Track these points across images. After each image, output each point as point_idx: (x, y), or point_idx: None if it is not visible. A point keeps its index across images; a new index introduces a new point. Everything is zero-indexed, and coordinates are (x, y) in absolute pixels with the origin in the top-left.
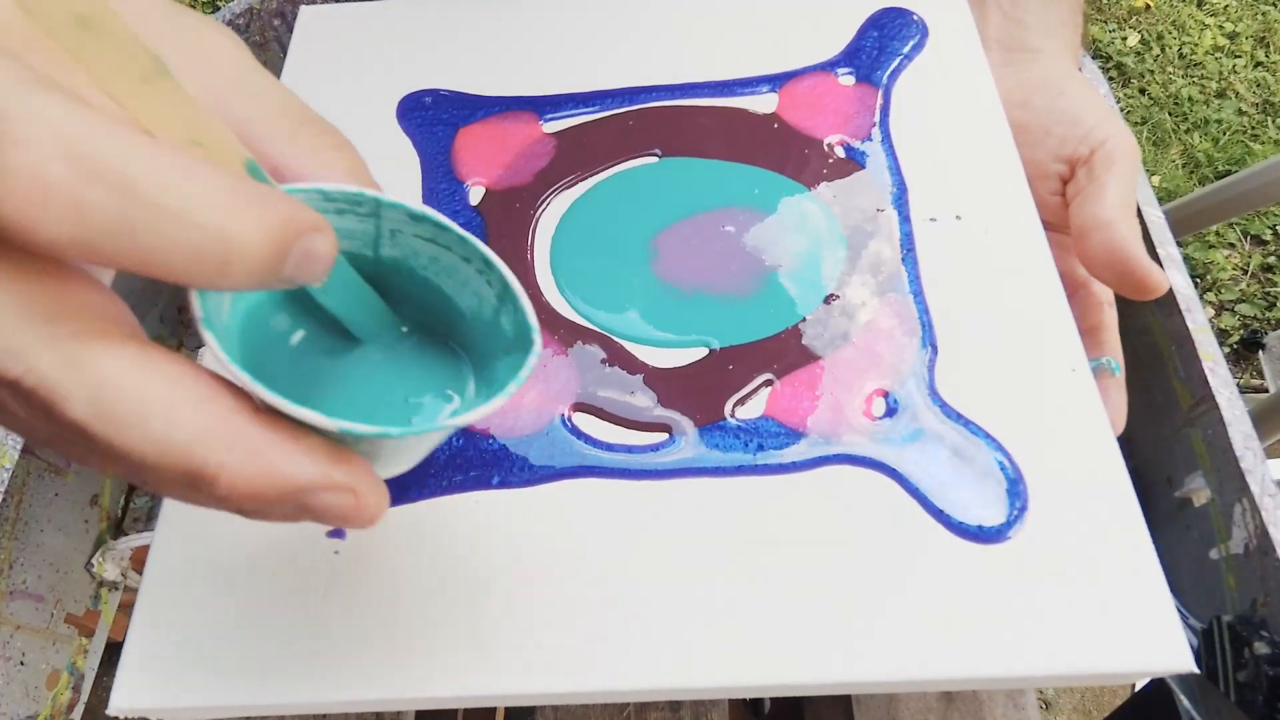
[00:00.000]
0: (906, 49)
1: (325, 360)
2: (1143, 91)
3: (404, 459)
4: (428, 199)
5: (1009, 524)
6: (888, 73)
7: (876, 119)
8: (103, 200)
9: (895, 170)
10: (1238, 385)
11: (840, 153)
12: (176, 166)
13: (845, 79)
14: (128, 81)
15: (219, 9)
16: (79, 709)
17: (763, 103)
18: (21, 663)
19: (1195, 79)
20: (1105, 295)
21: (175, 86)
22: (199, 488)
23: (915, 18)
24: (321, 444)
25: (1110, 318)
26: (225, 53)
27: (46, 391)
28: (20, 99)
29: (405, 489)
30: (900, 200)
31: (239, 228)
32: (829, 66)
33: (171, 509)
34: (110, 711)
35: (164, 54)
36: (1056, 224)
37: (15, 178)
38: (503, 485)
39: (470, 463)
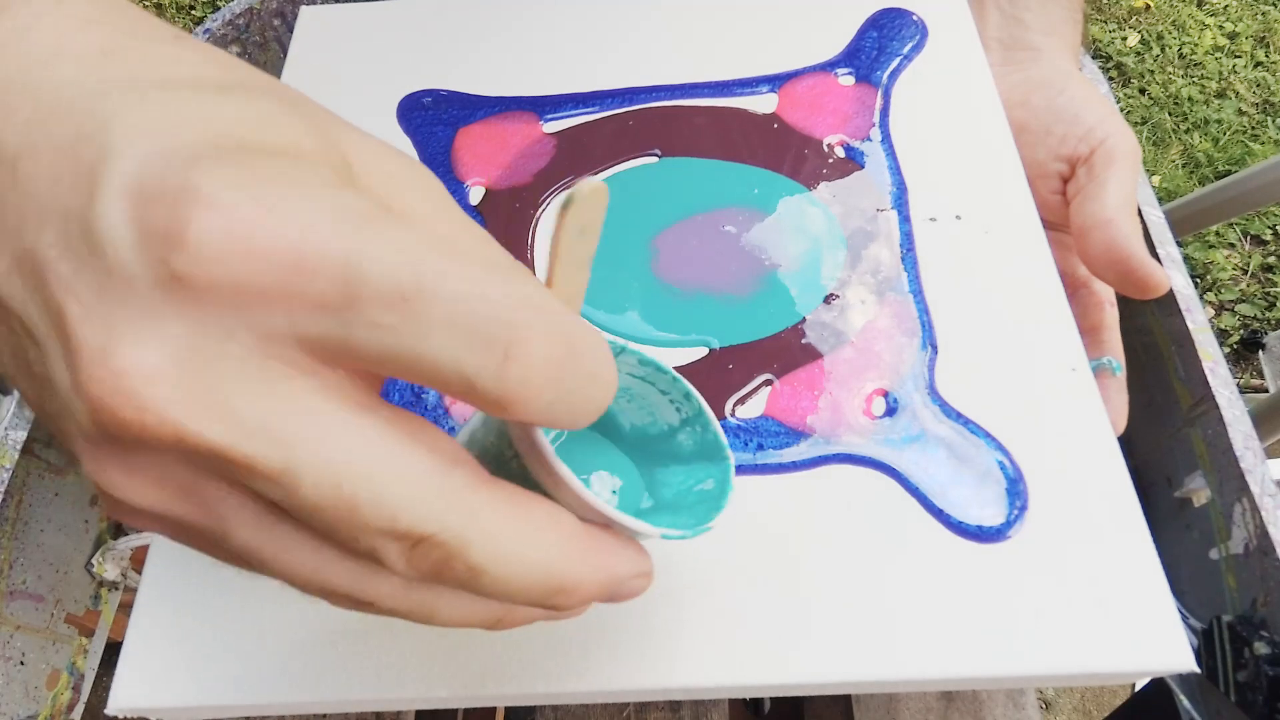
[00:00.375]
0: (906, 49)
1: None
2: (1143, 91)
3: None
4: None
5: (1009, 524)
6: (887, 73)
7: (876, 119)
8: (574, 374)
9: (895, 170)
10: (1238, 385)
11: (840, 153)
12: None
13: (845, 79)
14: (577, 264)
15: (219, 9)
16: (79, 709)
17: (762, 103)
18: (21, 663)
19: (1195, 79)
20: (1106, 294)
21: (590, 264)
22: (557, 604)
23: (915, 18)
24: (633, 541)
25: (1111, 317)
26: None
27: (456, 545)
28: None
29: None
30: (900, 200)
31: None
32: (829, 67)
33: None
34: (109, 711)
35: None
36: (1058, 223)
37: (533, 363)
38: None
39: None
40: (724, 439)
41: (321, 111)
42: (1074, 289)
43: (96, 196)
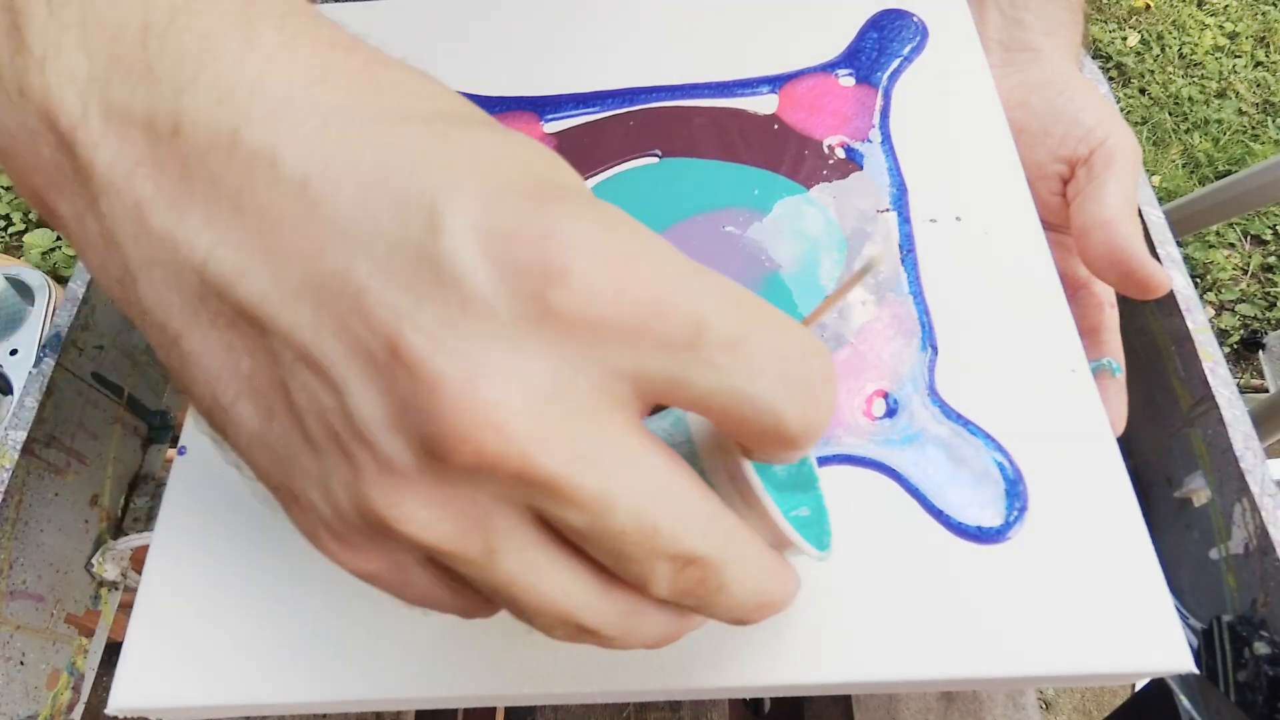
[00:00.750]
0: (906, 50)
1: None
2: (1143, 91)
3: None
4: None
5: (1009, 524)
6: (887, 74)
7: (876, 120)
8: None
9: (895, 171)
10: (1238, 385)
11: (840, 154)
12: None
13: (845, 80)
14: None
15: None
16: (79, 709)
17: (763, 104)
18: (21, 663)
19: (1195, 79)
20: (1107, 295)
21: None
22: (753, 618)
23: (915, 19)
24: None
25: (1111, 318)
26: None
27: (717, 564)
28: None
29: None
30: (900, 201)
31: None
32: (829, 68)
33: (170, 508)
34: (109, 711)
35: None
36: (1058, 224)
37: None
38: None
39: None
40: (817, 469)
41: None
42: (1074, 290)
43: (441, 231)
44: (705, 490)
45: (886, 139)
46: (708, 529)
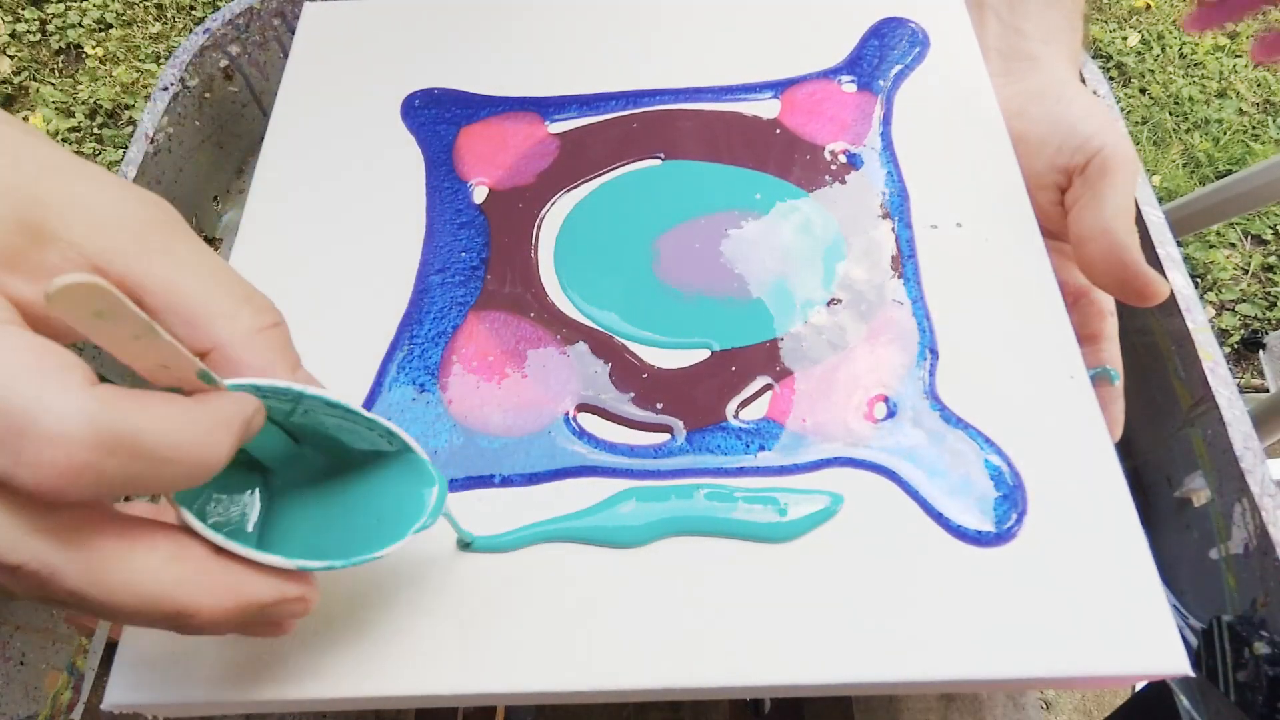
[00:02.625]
0: (908, 58)
1: (289, 498)
2: (1143, 91)
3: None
4: (431, 197)
5: (1007, 528)
6: (889, 81)
7: (877, 126)
8: (118, 466)
9: (896, 177)
10: (1238, 385)
11: (841, 159)
12: (168, 421)
13: (847, 86)
14: (122, 341)
15: (219, 9)
16: (79, 709)
17: (765, 108)
18: (21, 663)
19: (1195, 79)
20: (1106, 304)
21: (156, 336)
22: (182, 624)
23: (916, 27)
24: (276, 570)
25: (1111, 327)
26: (165, 229)
27: (47, 573)
28: (44, 396)
29: None
30: (901, 207)
31: (213, 451)
32: (831, 74)
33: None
34: (105, 706)
35: (112, 246)
36: (1057, 233)
37: (50, 468)
38: (504, 484)
39: (472, 461)
40: (436, 475)
41: (30, 167)
42: (1074, 299)
43: None
44: (38, 510)
45: (887, 145)
46: (24, 542)
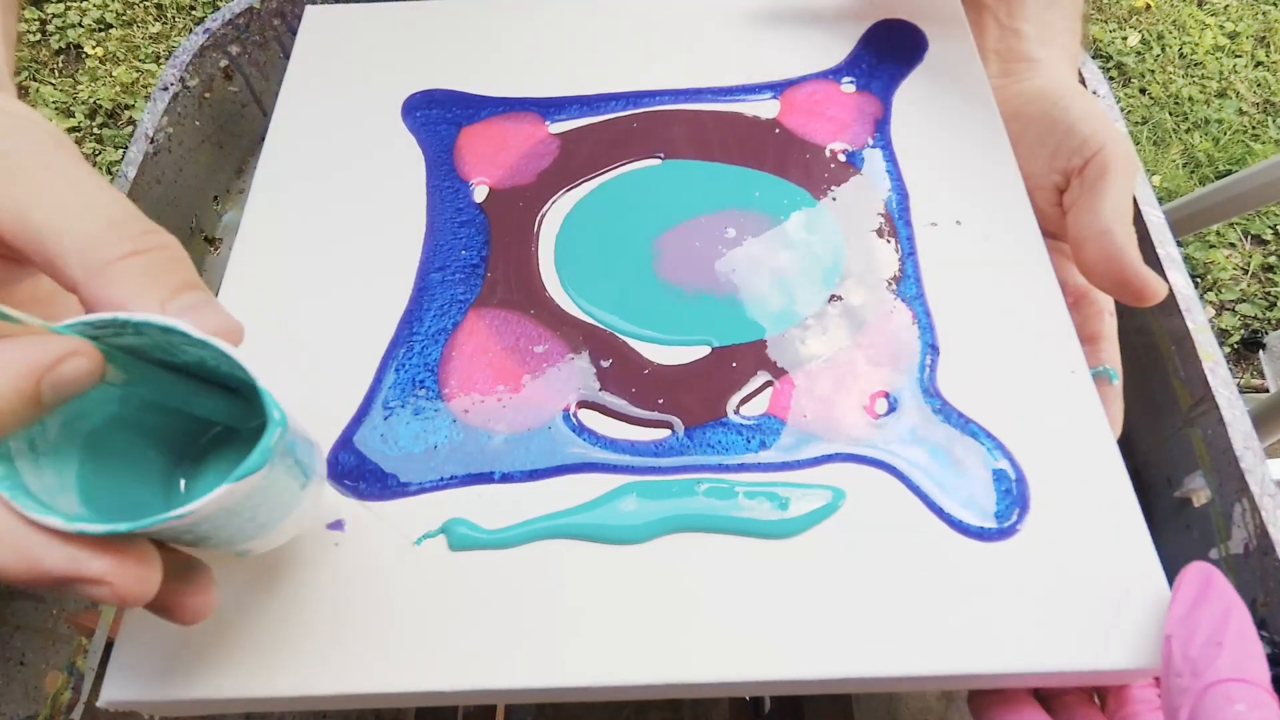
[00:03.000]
0: (906, 59)
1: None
2: (1143, 91)
3: (251, 538)
4: (432, 197)
5: (1009, 523)
6: (888, 82)
7: (877, 126)
8: None
9: (895, 176)
10: (1238, 385)
11: (841, 159)
12: None
13: (847, 87)
14: None
15: (219, 9)
16: (79, 709)
17: (764, 108)
18: (21, 663)
19: (1195, 79)
20: (1106, 304)
21: None
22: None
23: (915, 29)
24: (85, 543)
25: (1110, 327)
26: (38, 159)
27: None
28: None
29: (406, 483)
30: (901, 206)
31: None
32: (830, 74)
33: None
34: (100, 703)
35: None
36: (1057, 233)
37: None
38: (504, 481)
39: (472, 458)
40: (274, 412)
41: None
42: (1075, 299)
43: None
44: None
45: (887, 145)
46: None
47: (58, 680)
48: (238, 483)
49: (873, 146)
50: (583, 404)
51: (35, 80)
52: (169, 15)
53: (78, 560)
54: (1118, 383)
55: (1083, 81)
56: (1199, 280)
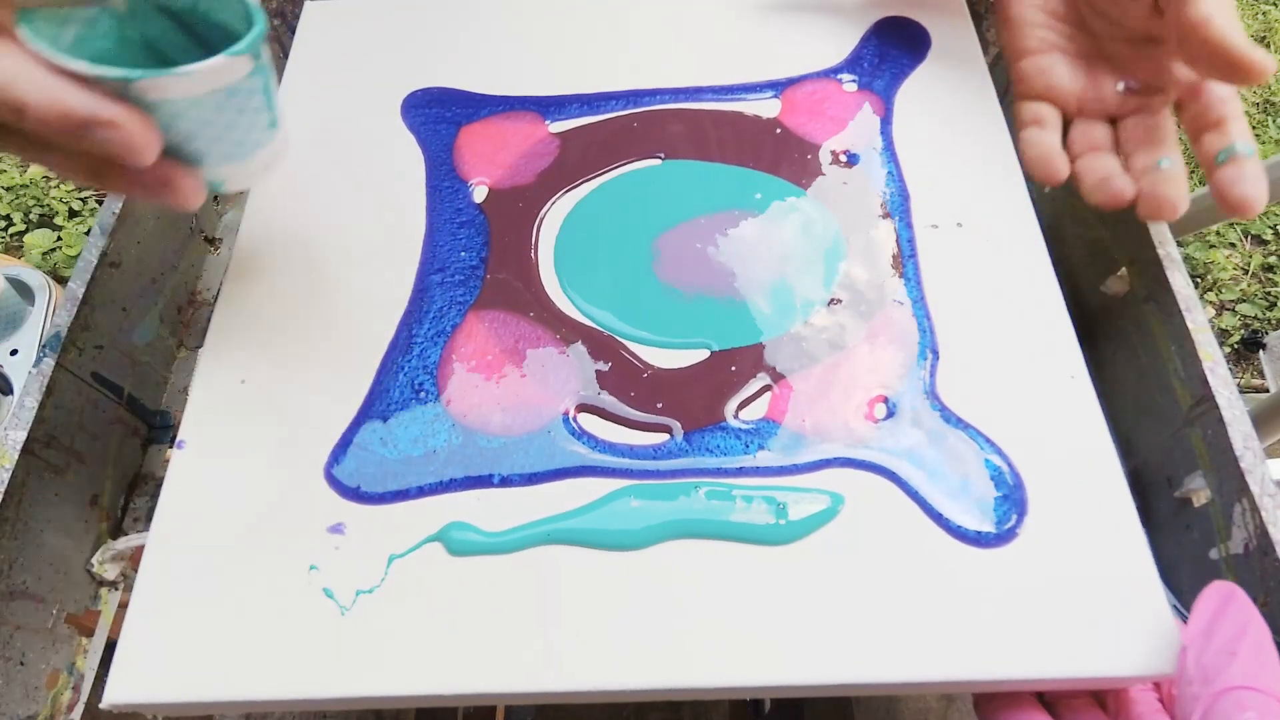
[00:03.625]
0: (908, 58)
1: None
2: None
3: (227, 149)
4: (432, 196)
5: (1007, 528)
6: (890, 81)
7: (878, 126)
8: None
9: (897, 177)
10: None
11: (842, 158)
12: None
13: (848, 86)
14: None
15: None
16: (79, 709)
17: (765, 107)
18: (21, 663)
19: None
20: (1223, 89)
21: None
22: (20, 116)
23: (918, 26)
24: (103, 90)
25: (1235, 107)
26: None
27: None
28: None
29: (406, 487)
30: (902, 207)
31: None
32: (832, 73)
33: (168, 502)
34: (103, 704)
35: None
36: (1156, 37)
37: None
38: (504, 484)
39: (471, 461)
40: (256, 13)
41: None
42: (1188, 95)
43: None
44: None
45: (888, 144)
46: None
47: (58, 680)
48: (233, 58)
49: (874, 146)
50: (582, 407)
51: None
52: None
53: (95, 104)
54: (1254, 154)
55: None
56: (1199, 280)
